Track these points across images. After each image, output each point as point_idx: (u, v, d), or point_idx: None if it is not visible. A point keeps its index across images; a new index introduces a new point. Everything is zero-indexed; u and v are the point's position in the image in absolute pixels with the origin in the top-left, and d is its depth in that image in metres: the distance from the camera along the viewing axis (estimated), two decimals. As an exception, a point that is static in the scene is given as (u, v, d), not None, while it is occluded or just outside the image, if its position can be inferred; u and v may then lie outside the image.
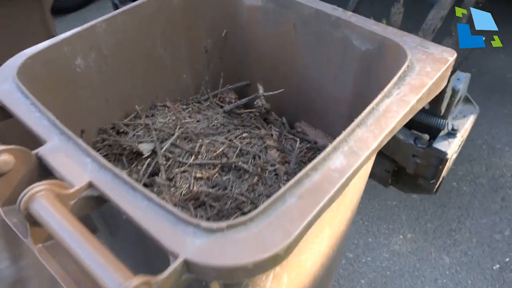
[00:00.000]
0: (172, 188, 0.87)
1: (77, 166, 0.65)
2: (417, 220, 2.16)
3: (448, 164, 1.44)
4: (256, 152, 0.96)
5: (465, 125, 1.48)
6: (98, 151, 1.02)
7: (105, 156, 1.00)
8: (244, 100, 1.12)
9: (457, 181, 2.31)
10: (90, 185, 0.63)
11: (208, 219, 0.82)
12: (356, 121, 0.69)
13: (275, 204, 0.58)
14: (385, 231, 2.09)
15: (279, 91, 1.06)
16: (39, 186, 0.57)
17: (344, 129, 1.09)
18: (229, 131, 1.04)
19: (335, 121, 1.10)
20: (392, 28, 0.91)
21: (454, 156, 1.48)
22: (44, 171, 0.68)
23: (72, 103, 0.96)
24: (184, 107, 1.16)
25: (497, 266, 1.95)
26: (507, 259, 1.99)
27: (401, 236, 2.10)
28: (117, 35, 0.98)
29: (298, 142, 1.03)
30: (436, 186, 1.54)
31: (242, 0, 1.11)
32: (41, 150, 0.67)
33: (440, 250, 2.02)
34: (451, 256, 2.00)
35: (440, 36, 1.51)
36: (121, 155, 0.99)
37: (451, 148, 1.40)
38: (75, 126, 0.99)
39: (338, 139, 0.66)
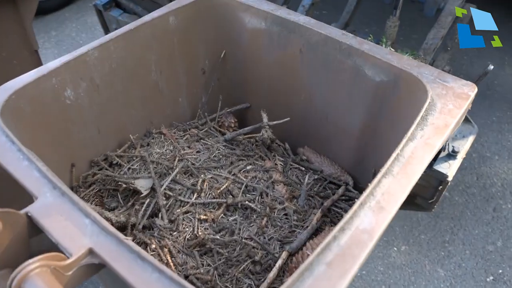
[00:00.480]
0: (175, 232, 0.80)
1: (74, 228, 0.57)
2: (411, 231, 2.14)
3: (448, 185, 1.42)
4: (263, 189, 0.89)
5: (464, 146, 1.46)
6: (89, 186, 0.94)
7: (98, 191, 0.92)
8: (247, 129, 1.06)
9: (449, 191, 2.30)
10: (91, 252, 0.56)
11: (216, 268, 0.75)
12: (382, 171, 0.64)
13: (302, 275, 0.52)
14: (379, 243, 2.06)
15: (285, 120, 1.00)
16: (32, 264, 0.49)
17: (349, 161, 1.05)
18: (231, 163, 0.97)
19: (339, 151, 1.05)
20: (408, 58, 0.86)
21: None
22: (36, 229, 0.60)
23: (62, 137, 0.88)
24: (181, 133, 1.09)
25: (491, 278, 1.95)
26: (500, 271, 1.99)
27: (395, 248, 2.07)
28: (110, 63, 0.90)
29: (306, 178, 0.97)
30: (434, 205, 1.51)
31: (243, 22, 1.05)
32: (31, 209, 0.59)
33: (434, 262, 2.01)
34: (445, 268, 1.99)
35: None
36: (115, 191, 0.91)
37: (451, 170, 1.37)
38: (65, 160, 0.91)
39: (365, 193, 0.61)
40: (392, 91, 0.86)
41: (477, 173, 2.44)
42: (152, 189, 0.88)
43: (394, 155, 0.66)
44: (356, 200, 0.95)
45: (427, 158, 0.68)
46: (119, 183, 0.89)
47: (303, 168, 1.03)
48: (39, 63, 1.40)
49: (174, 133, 1.08)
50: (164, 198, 0.85)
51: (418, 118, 0.72)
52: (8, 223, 0.57)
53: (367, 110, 0.93)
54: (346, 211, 0.93)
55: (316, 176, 1.00)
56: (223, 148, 1.02)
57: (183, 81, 1.12)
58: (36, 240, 0.61)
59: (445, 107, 0.76)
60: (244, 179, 0.91)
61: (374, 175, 0.98)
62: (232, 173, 0.93)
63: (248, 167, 0.96)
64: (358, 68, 0.91)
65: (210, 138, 1.06)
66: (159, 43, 1.00)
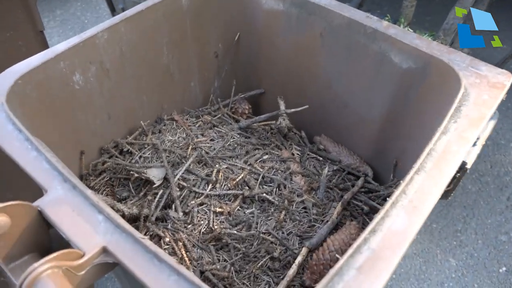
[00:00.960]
0: (190, 225, 0.77)
1: (87, 225, 0.54)
2: (423, 220, 2.10)
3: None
4: (280, 180, 0.85)
5: (484, 132, 1.40)
6: (99, 174, 0.90)
7: (108, 180, 0.89)
8: (263, 117, 1.01)
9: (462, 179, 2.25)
10: (104, 251, 0.52)
11: (232, 264, 0.72)
12: (415, 167, 0.59)
13: (331, 281, 0.48)
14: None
15: (303, 108, 0.95)
16: (44, 265, 0.46)
17: (368, 151, 1.01)
18: (247, 152, 0.93)
19: (358, 140, 1.01)
20: (437, 43, 0.81)
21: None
22: (47, 224, 0.57)
23: (71, 124, 0.84)
24: (194, 120, 1.05)
25: (504, 269, 1.92)
26: (513, 262, 1.96)
27: (406, 237, 2.04)
28: (120, 46, 0.85)
29: (326, 169, 0.93)
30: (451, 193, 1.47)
31: (259, 2, 0.99)
32: (41, 203, 0.56)
33: (446, 252, 1.98)
34: (457, 258, 1.96)
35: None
36: (126, 180, 0.88)
37: (470, 157, 1.32)
38: (74, 148, 0.87)
39: (397, 191, 0.56)
40: (420, 79, 0.81)
41: (491, 161, 2.39)
42: (165, 179, 0.84)
43: (427, 150, 0.61)
44: (379, 193, 0.91)
45: (462, 153, 0.63)
46: (131, 172, 0.85)
47: (321, 158, 0.99)
48: (45, 44, 1.35)
49: (187, 119, 1.04)
50: (178, 189, 0.82)
51: (452, 110, 0.67)
52: (18, 216, 0.53)
53: (391, 98, 0.88)
54: (366, 204, 0.89)
55: (335, 167, 0.95)
56: (238, 136, 0.98)
57: (195, 65, 1.07)
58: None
59: (479, 98, 0.71)
60: (261, 170, 0.87)
61: (395, 166, 0.94)
62: (248, 163, 0.89)
63: (265, 157, 0.91)
64: (383, 53, 0.85)
65: (224, 126, 1.02)
66: (171, 25, 0.94)
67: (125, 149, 0.93)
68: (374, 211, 0.88)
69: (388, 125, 0.92)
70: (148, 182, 0.86)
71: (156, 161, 0.89)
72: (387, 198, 0.81)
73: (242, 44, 1.08)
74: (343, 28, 0.90)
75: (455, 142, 0.64)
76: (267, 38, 1.04)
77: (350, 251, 0.50)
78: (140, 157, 0.91)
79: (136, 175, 0.84)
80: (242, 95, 1.12)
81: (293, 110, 0.96)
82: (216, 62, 1.10)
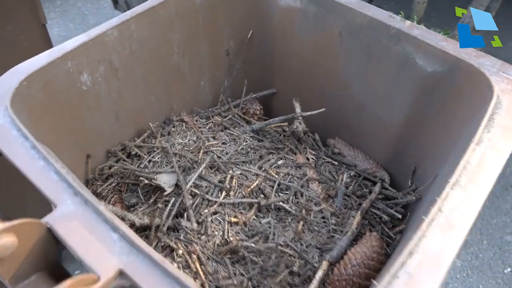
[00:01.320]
0: (203, 236, 0.73)
1: (100, 244, 0.50)
2: (428, 220, 2.08)
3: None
4: (297, 188, 0.81)
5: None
6: (106, 178, 0.86)
7: (116, 186, 0.84)
8: (277, 120, 0.97)
9: (467, 179, 2.23)
10: (121, 273, 0.48)
11: (250, 279, 0.68)
12: (451, 181, 0.56)
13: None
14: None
15: (320, 110, 0.91)
16: (57, 294, 0.42)
17: (385, 155, 0.97)
18: (261, 157, 0.89)
19: (375, 144, 0.97)
20: (465, 46, 0.76)
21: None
22: (57, 243, 0.53)
23: (77, 126, 0.79)
24: (204, 121, 1.00)
25: (509, 269, 1.91)
26: (519, 262, 1.94)
27: (411, 237, 2.02)
28: (130, 44, 0.81)
29: (345, 176, 0.89)
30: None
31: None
32: (50, 220, 0.51)
33: (451, 252, 1.96)
34: (461, 258, 1.94)
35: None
36: (135, 185, 0.84)
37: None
38: (80, 151, 0.83)
39: (432, 209, 0.53)
40: (447, 84, 0.77)
41: (497, 161, 2.35)
42: (176, 186, 0.80)
43: (462, 163, 0.57)
44: (397, 200, 0.87)
45: (498, 166, 0.59)
46: (140, 178, 0.81)
47: (336, 163, 0.95)
48: (47, 38, 1.29)
49: (196, 121, 0.99)
50: (190, 197, 0.78)
51: (486, 119, 0.63)
52: (25, 234, 0.49)
53: (413, 102, 0.84)
54: (384, 211, 0.85)
55: (352, 173, 0.91)
56: (251, 139, 0.94)
57: (206, 63, 1.02)
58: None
59: (513, 106, 0.67)
60: (276, 176, 0.83)
61: (414, 172, 0.90)
62: (263, 169, 0.85)
63: (279, 162, 0.87)
64: (407, 55, 0.81)
65: (236, 128, 0.97)
66: (183, 21, 0.90)
67: (133, 153, 0.89)
68: (392, 219, 0.85)
69: (407, 129, 0.88)
70: (158, 188, 0.81)
71: (166, 165, 0.85)
72: (406, 206, 0.78)
73: (255, 42, 1.03)
74: (364, 27, 0.85)
75: (490, 153, 0.60)
76: (282, 36, 0.99)
77: (387, 277, 0.46)
78: (149, 161, 0.87)
79: (145, 181, 0.80)
80: (254, 95, 1.08)
81: (309, 113, 0.92)
82: (227, 61, 1.06)
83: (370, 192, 0.89)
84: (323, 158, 0.94)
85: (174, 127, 0.97)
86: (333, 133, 1.03)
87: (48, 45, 1.30)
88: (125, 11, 2.13)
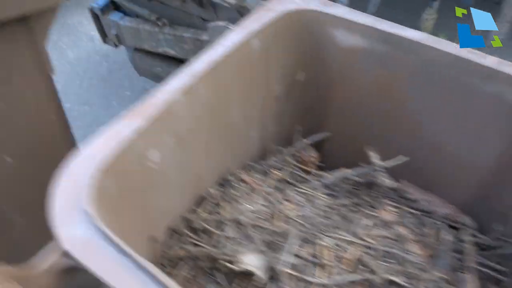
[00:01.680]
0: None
1: None
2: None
3: None
4: (400, 254, 0.72)
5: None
6: (176, 265, 0.73)
7: (189, 271, 0.72)
8: (354, 173, 0.87)
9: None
10: None
11: None
12: None
13: None
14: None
15: (404, 160, 0.83)
16: None
17: (464, 198, 0.90)
18: (344, 217, 0.79)
19: (453, 187, 0.89)
20: None
21: None
22: None
23: (143, 207, 0.67)
24: (262, 177, 0.90)
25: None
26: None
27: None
28: (196, 109, 0.69)
29: (451, 237, 0.81)
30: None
31: (335, 39, 0.86)
32: None
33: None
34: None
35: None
36: (213, 269, 0.72)
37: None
38: (145, 232, 0.70)
39: None
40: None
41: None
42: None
43: None
44: (495, 251, 0.80)
45: None
46: (220, 261, 0.69)
47: (417, 212, 0.87)
48: (53, 90, 1.15)
49: (256, 179, 0.89)
50: (287, 281, 0.67)
51: None
52: None
53: (505, 144, 0.78)
54: (484, 265, 0.78)
55: (438, 223, 0.84)
56: (326, 197, 0.84)
57: (256, 112, 0.92)
58: None
59: None
60: (373, 242, 0.74)
61: (507, 218, 0.83)
62: (355, 234, 0.75)
63: (368, 223, 0.78)
64: (498, 96, 0.75)
65: (304, 184, 0.87)
66: (242, 73, 0.79)
67: (200, 228, 0.77)
68: (499, 273, 0.77)
69: (496, 171, 0.82)
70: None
71: (245, 241, 0.73)
72: None
73: (308, 84, 0.94)
74: (443, 66, 0.78)
75: None
76: (341, 78, 0.91)
77: None
78: (223, 237, 0.75)
79: (229, 265, 0.68)
80: (306, 141, 0.98)
81: (392, 163, 0.84)
82: (276, 106, 0.96)
83: (460, 240, 0.82)
84: (405, 209, 0.86)
85: (233, 188, 0.85)
86: (397, 175, 0.95)
87: (54, 96, 1.16)
88: (115, 45, 1.99)
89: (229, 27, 1.48)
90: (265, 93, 0.92)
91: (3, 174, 1.12)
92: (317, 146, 1.01)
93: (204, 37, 1.61)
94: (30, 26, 0.98)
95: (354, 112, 0.94)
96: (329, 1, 0.88)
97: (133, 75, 2.50)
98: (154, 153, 0.64)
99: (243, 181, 0.87)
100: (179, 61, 1.84)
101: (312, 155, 0.97)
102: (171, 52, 1.76)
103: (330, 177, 0.89)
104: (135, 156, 0.61)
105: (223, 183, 0.88)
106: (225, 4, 1.47)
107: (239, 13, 1.47)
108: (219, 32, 1.52)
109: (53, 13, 1.00)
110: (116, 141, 0.58)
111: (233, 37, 0.77)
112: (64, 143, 1.24)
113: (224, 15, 1.55)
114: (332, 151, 1.03)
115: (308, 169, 0.94)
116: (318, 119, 1.00)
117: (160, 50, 1.79)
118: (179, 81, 0.68)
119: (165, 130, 0.65)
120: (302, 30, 0.85)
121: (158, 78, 1.96)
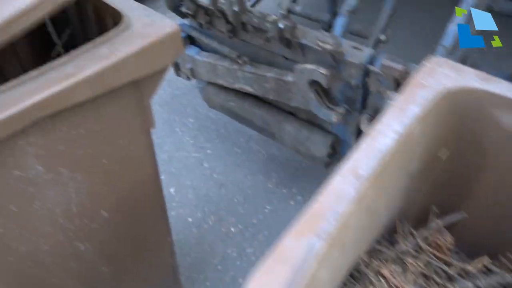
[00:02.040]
0: None
1: None
2: None
3: None
4: None
5: None
6: None
7: None
8: None
9: None
10: None
11: None
12: None
13: None
14: None
15: None
16: None
17: None
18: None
19: None
20: None
21: None
22: None
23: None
24: (397, 268, 0.79)
25: None
26: None
27: None
28: (363, 217, 0.60)
29: None
30: None
31: (496, 120, 0.75)
32: None
33: None
34: None
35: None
36: None
37: None
38: None
39: None
40: None
41: None
42: None
43: None
44: None
45: None
46: None
47: None
48: (151, 144, 1.10)
49: (393, 270, 0.78)
50: None
51: None
52: None
53: None
54: None
55: None
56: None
57: (388, 190, 0.82)
58: None
59: None
60: None
61: None
62: None
63: None
64: None
65: (452, 284, 0.76)
66: (397, 162, 0.69)
67: None
68: None
69: None
70: None
71: None
72: None
73: (451, 161, 0.83)
74: None
75: None
76: (496, 159, 0.79)
77: None
78: None
79: None
80: (440, 223, 0.87)
81: None
82: (411, 182, 0.85)
83: None
84: None
85: (371, 283, 0.75)
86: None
87: (151, 150, 1.11)
88: (188, 78, 1.93)
89: (320, 71, 1.39)
90: (399, 171, 0.82)
91: (98, 229, 1.08)
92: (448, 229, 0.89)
93: (289, 78, 1.52)
94: (140, 89, 0.93)
95: (503, 199, 0.83)
96: (487, 76, 0.77)
97: (195, 101, 2.45)
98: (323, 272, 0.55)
99: (381, 275, 0.77)
100: (254, 97, 1.77)
101: (448, 240, 0.86)
102: (249, 89, 1.69)
103: (482, 279, 0.77)
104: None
105: (356, 276, 0.77)
106: (318, 48, 1.38)
107: (333, 57, 1.38)
108: (307, 75, 1.44)
109: (162, 74, 0.95)
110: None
111: (391, 123, 0.67)
112: (153, 190, 1.19)
113: (313, 57, 1.46)
114: (461, 231, 0.91)
115: (446, 258, 0.83)
116: (453, 198, 0.89)
117: (237, 86, 1.72)
118: (354, 190, 0.58)
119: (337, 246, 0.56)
120: (461, 109, 0.75)
121: (229, 112, 1.90)
